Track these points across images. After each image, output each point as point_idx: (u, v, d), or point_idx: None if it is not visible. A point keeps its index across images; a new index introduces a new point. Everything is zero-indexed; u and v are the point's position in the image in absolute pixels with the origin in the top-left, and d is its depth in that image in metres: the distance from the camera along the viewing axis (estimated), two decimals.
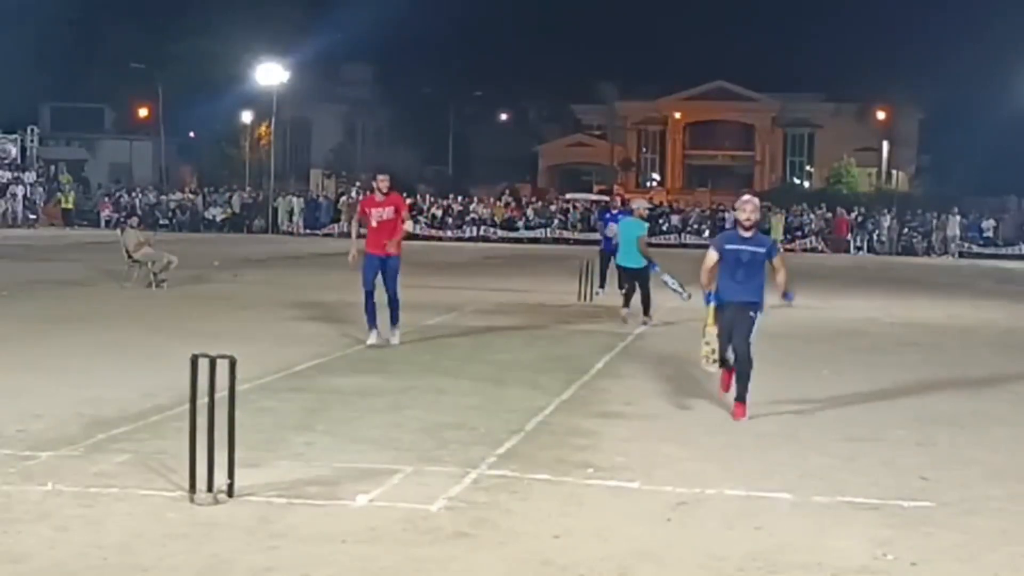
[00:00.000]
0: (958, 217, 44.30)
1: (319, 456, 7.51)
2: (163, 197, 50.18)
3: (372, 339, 12.84)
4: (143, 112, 63.19)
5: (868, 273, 31.26)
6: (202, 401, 6.46)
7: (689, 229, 46.24)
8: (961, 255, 42.60)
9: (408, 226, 13.48)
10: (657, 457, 7.79)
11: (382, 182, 12.95)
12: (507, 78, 69.00)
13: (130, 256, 20.05)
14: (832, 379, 11.54)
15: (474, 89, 69.22)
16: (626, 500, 6.73)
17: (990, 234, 44.74)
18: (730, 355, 9.30)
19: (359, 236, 13.23)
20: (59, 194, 48.50)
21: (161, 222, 45.59)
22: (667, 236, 44.43)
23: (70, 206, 47.86)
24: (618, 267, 16.74)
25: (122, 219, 38.76)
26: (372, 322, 12.90)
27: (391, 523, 6.08)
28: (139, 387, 9.80)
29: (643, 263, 15.87)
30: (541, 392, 10.13)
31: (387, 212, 12.88)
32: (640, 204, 17.60)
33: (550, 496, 6.73)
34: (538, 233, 46.58)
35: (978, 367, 12.81)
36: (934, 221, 45.62)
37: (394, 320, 13.01)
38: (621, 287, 16.62)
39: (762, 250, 9.35)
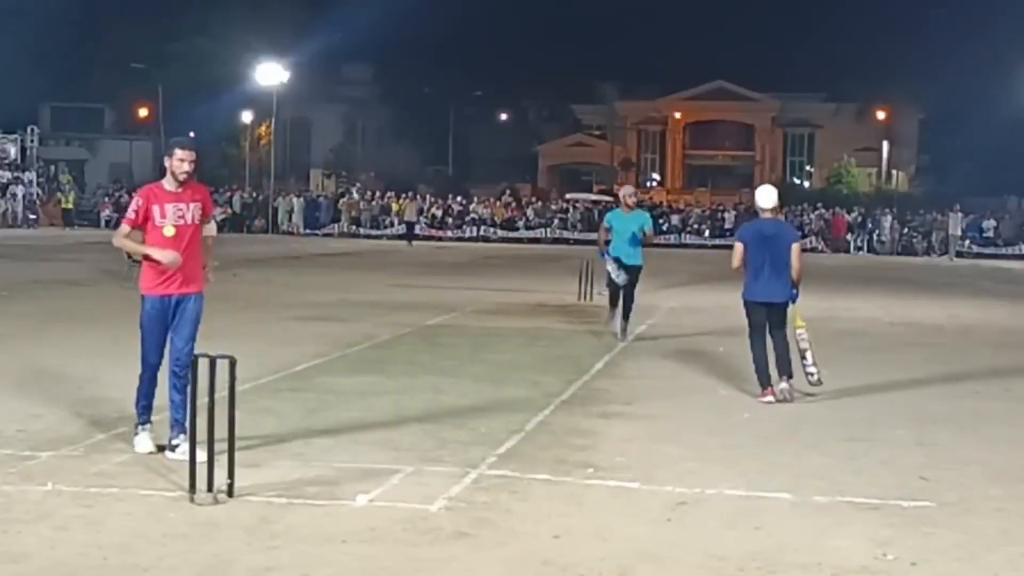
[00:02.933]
0: (960, 215, 43.62)
1: (319, 456, 7.51)
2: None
3: (142, 442, 7.54)
4: (143, 112, 63.14)
5: (868, 273, 31.26)
6: (202, 401, 6.46)
7: (689, 229, 46.25)
8: (960, 255, 42.39)
9: (211, 229, 8.07)
10: (657, 457, 7.79)
11: (181, 161, 7.42)
12: (507, 78, 68.98)
13: (130, 256, 20.03)
14: (832, 379, 11.52)
15: (474, 89, 69.20)
16: (626, 500, 6.72)
17: (990, 234, 44.68)
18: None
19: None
20: (59, 194, 48.52)
21: None
22: (667, 236, 44.57)
23: (70, 206, 47.90)
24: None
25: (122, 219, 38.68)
26: (147, 411, 7.63)
27: (391, 523, 6.08)
28: None
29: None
30: (541, 392, 10.13)
31: (191, 211, 7.50)
32: (627, 191, 14.80)
33: (550, 496, 6.73)
34: (538, 233, 46.62)
35: (978, 367, 12.80)
36: (933, 222, 45.53)
37: (178, 418, 7.40)
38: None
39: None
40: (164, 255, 7.33)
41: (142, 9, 59.74)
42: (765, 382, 9.98)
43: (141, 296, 7.52)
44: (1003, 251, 43.23)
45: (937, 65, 59.29)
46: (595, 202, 49.68)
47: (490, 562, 5.57)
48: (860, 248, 44.59)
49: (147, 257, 7.45)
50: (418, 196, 49.50)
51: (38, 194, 48.31)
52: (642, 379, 11.19)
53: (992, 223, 45.15)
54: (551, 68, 68.75)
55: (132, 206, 7.53)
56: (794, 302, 10.09)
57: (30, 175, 48.45)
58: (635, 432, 8.64)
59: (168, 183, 7.50)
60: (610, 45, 72.62)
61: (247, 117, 59.95)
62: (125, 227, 7.62)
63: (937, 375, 12.02)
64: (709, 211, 49.40)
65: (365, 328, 14.50)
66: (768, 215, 10.21)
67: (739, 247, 10.16)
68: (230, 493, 6.41)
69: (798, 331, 10.15)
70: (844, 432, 8.78)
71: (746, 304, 10.20)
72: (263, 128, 60.33)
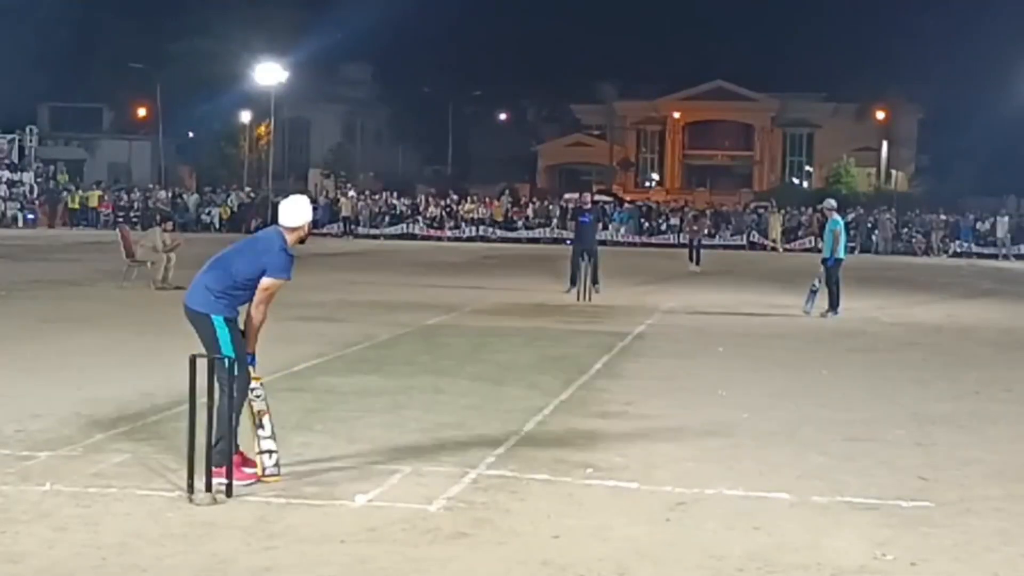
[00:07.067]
0: (970, 217, 42.47)
1: (318, 456, 7.50)
2: (163, 194, 50.25)
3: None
4: (142, 112, 63.13)
5: (867, 273, 31.23)
6: (201, 401, 6.45)
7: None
8: (959, 255, 42.31)
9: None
10: (657, 457, 7.78)
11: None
12: (507, 78, 69.04)
13: (130, 256, 20.07)
14: (831, 379, 11.54)
15: (474, 89, 69.24)
16: (625, 500, 6.72)
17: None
18: None
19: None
20: (66, 193, 48.46)
21: None
22: (666, 236, 44.66)
23: (76, 206, 47.94)
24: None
25: (119, 219, 38.90)
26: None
27: (390, 523, 6.07)
28: (138, 387, 9.80)
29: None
30: (540, 392, 10.12)
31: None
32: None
33: (549, 496, 6.72)
34: (538, 233, 46.59)
35: (977, 367, 12.80)
36: (932, 221, 45.44)
37: None
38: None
39: None
40: None
41: (142, 9, 59.77)
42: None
43: None
44: (1003, 251, 43.15)
45: (937, 65, 59.35)
46: (595, 202, 49.58)
47: (489, 562, 5.56)
48: (860, 249, 44.47)
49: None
50: (352, 192, 49.69)
51: (36, 193, 48.28)
52: (641, 379, 11.18)
53: (991, 223, 45.04)
54: (551, 68, 68.85)
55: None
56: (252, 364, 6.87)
57: (28, 175, 48.39)
58: (635, 432, 8.62)
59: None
60: (610, 45, 72.63)
61: (246, 117, 59.93)
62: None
63: (937, 375, 12.02)
64: (709, 211, 49.34)
65: (364, 328, 14.49)
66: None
67: None
68: (228, 493, 6.40)
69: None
70: (844, 432, 8.77)
71: None
72: (262, 128, 60.33)
